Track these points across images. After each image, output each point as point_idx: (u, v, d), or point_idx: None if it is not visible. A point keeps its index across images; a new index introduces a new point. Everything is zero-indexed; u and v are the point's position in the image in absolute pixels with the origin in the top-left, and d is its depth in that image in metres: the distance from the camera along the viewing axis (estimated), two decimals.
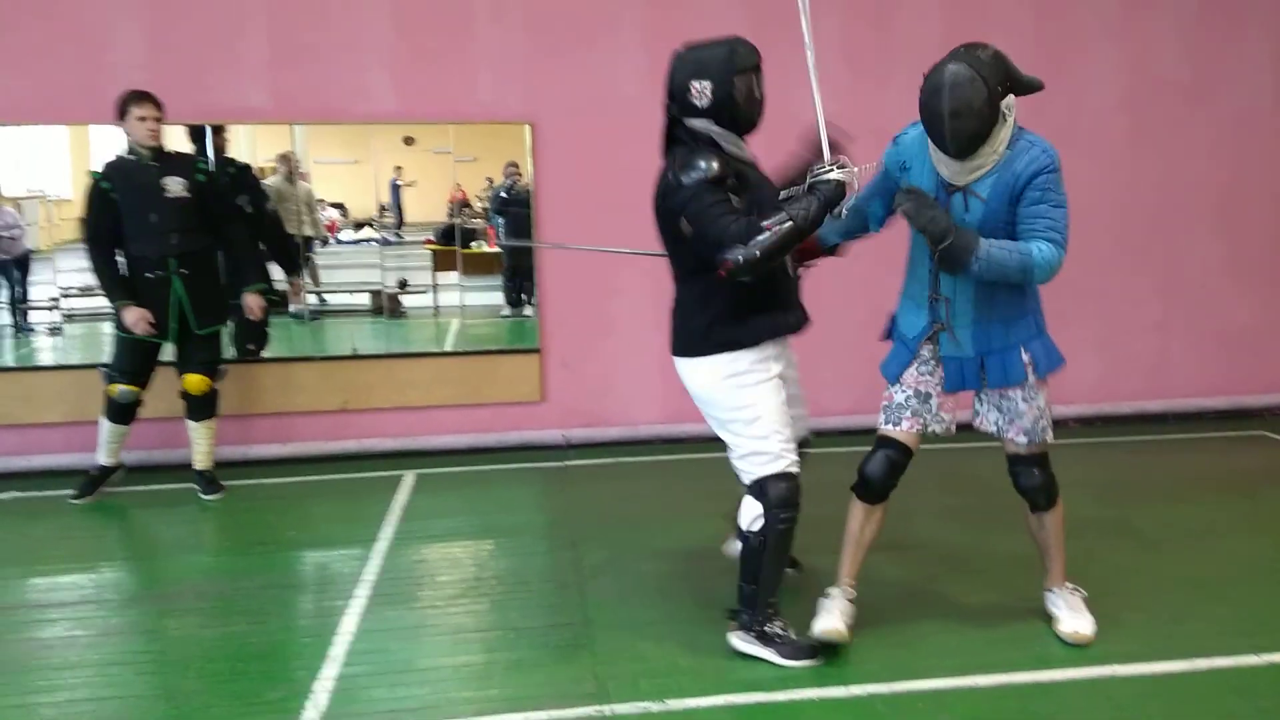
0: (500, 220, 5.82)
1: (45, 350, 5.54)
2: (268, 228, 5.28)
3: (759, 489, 2.81)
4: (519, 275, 5.68)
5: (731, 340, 2.78)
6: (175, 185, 4.34)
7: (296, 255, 5.55)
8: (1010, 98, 2.69)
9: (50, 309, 5.49)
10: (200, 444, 4.60)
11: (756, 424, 2.78)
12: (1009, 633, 3.11)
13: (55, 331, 5.44)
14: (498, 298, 5.84)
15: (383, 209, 6.69)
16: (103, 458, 4.56)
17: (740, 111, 2.76)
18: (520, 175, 5.45)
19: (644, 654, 3.00)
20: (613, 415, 5.40)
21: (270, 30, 4.91)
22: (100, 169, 4.34)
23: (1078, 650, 2.97)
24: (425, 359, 5.40)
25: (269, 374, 5.18)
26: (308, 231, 5.85)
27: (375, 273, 6.50)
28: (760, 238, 2.59)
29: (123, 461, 4.66)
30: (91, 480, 4.56)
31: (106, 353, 4.59)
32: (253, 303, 4.60)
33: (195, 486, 4.60)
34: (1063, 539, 3.10)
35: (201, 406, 4.56)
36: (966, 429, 3.07)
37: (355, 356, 5.43)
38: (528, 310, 5.65)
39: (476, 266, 5.84)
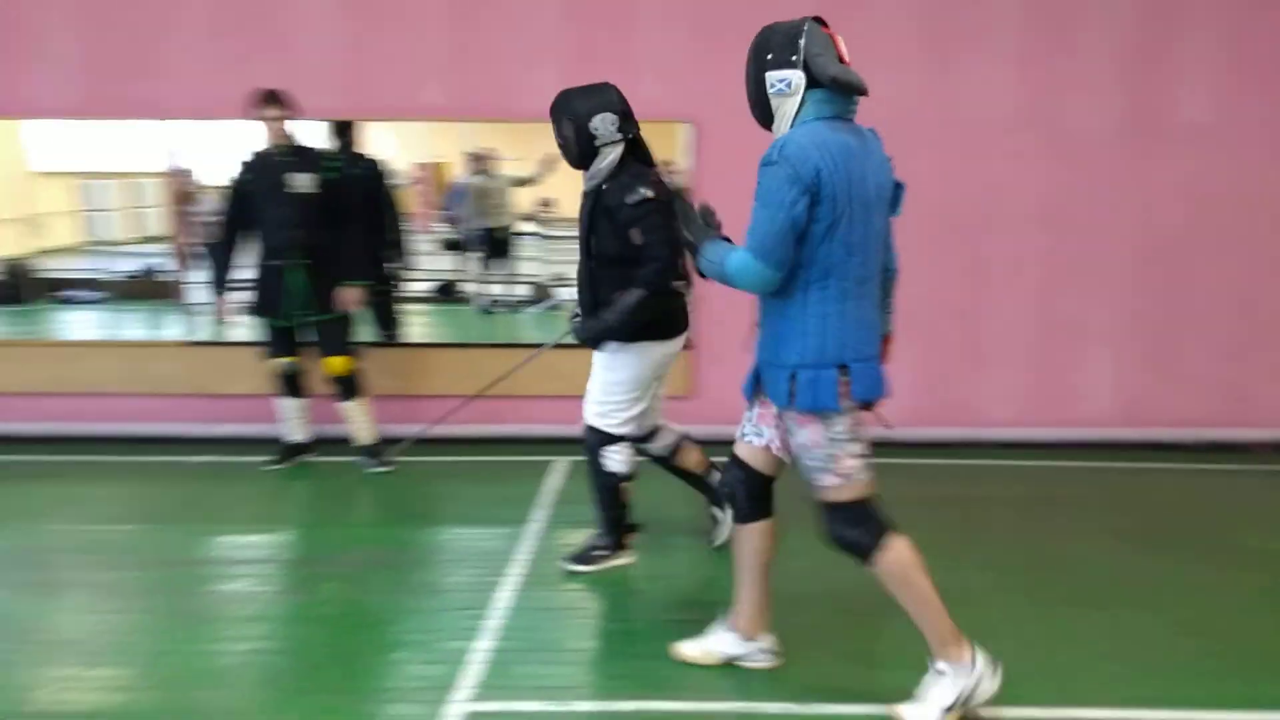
0: None
1: (238, 327, 5.99)
2: (391, 222, 5.49)
3: None
4: None
5: None
6: (302, 180, 4.57)
7: (404, 251, 5.72)
8: (790, 75, 2.45)
9: (244, 289, 5.93)
10: (356, 422, 4.86)
11: None
12: (1182, 665, 2.92)
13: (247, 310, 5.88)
14: None
15: (545, 203, 6.90)
16: (290, 434, 4.91)
17: None
18: (675, 174, 5.49)
19: (785, 652, 2.98)
20: None
21: (448, 31, 5.14)
22: (244, 161, 4.65)
23: (1261, 689, 2.76)
24: (579, 350, 5.50)
25: (434, 358, 5.44)
26: (506, 221, 6.09)
27: (534, 265, 6.72)
28: None
29: (308, 440, 4.99)
30: (286, 450, 4.93)
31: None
32: (349, 297, 4.70)
33: (361, 460, 4.88)
34: (917, 599, 2.55)
35: (347, 387, 4.80)
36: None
37: (515, 345, 5.61)
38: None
39: None
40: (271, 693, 2.82)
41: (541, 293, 6.81)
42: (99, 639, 3.16)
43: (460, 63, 5.15)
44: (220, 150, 5.65)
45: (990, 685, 2.55)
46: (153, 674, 2.92)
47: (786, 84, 2.46)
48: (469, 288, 6.42)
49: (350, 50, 5.14)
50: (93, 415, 5.41)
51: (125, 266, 6.60)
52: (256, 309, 4.71)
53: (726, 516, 3.82)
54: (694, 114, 5.18)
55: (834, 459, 2.53)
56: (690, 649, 2.96)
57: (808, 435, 2.54)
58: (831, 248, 2.41)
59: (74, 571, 3.68)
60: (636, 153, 3.38)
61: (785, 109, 2.49)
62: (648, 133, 5.43)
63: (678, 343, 3.51)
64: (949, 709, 2.54)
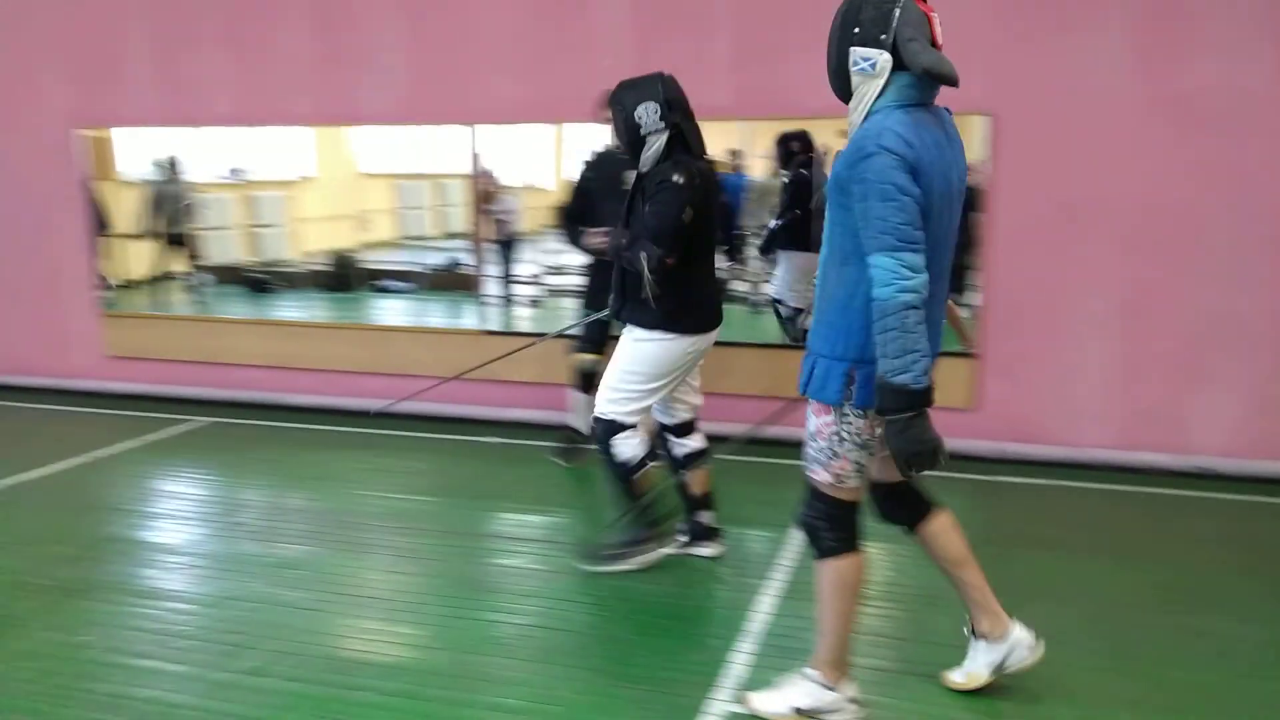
0: None
1: (524, 319, 6.39)
2: (726, 221, 5.54)
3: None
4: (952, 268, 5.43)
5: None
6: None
7: (741, 244, 5.79)
8: (876, 56, 2.27)
9: (531, 284, 6.32)
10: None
11: None
12: None
13: (535, 304, 6.26)
14: None
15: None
16: (575, 421, 5.13)
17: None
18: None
19: (1071, 689, 2.71)
20: (1055, 433, 4.95)
21: (735, 33, 5.15)
22: (587, 160, 4.87)
23: None
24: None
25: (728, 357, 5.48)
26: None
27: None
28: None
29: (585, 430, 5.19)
30: (568, 439, 5.10)
31: (567, 325, 5.12)
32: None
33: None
34: (834, 612, 2.55)
35: None
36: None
37: (787, 346, 5.53)
38: (959, 310, 5.39)
39: None
40: (546, 667, 2.95)
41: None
42: (400, 598, 3.46)
43: (744, 61, 5.15)
44: (520, 152, 6.06)
45: (848, 718, 2.60)
46: (444, 636, 3.16)
47: (871, 64, 2.29)
48: (743, 286, 6.42)
49: (646, 54, 5.29)
50: (401, 394, 5.96)
51: (432, 260, 7.23)
52: (585, 300, 4.92)
53: (706, 550, 3.76)
54: (992, 106, 4.84)
55: (834, 456, 2.45)
56: (958, 676, 2.77)
57: (815, 424, 2.47)
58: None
59: (380, 534, 4.06)
60: (685, 143, 3.43)
61: (866, 90, 2.31)
62: None
63: (707, 339, 3.51)
64: (800, 712, 2.59)
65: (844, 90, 2.37)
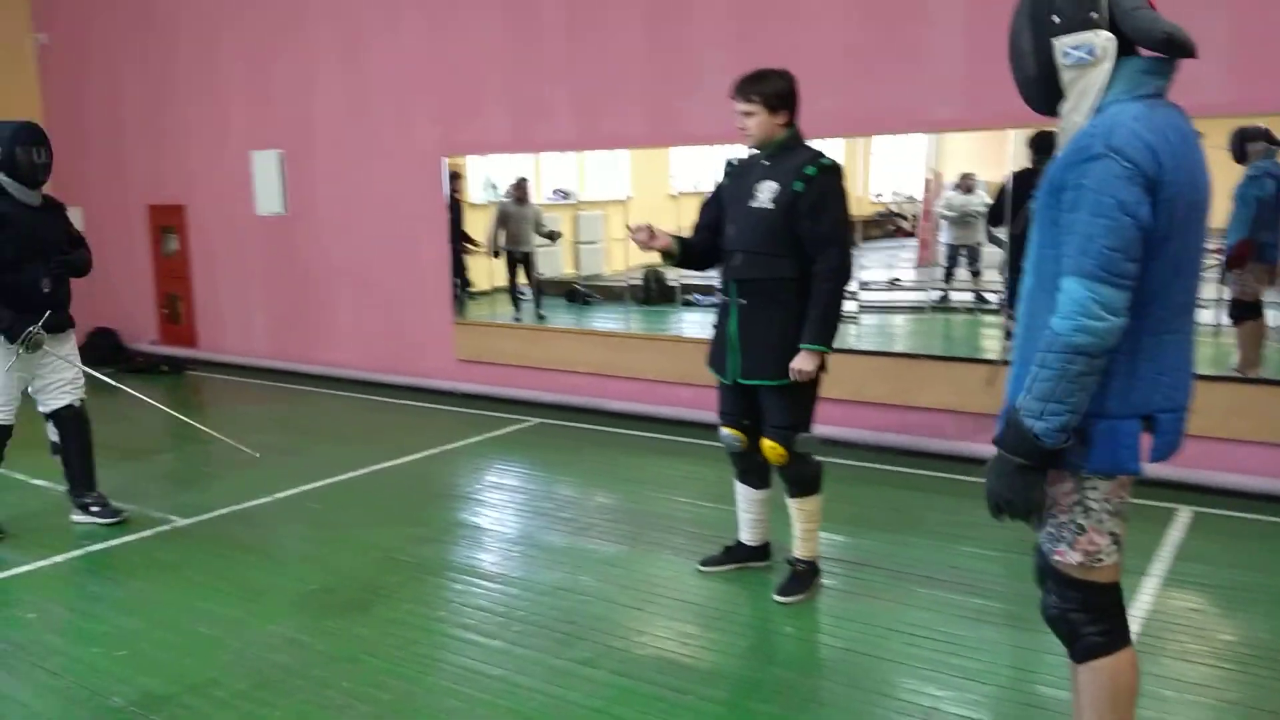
0: None
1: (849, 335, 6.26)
2: None
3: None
4: None
5: None
6: (766, 193, 3.39)
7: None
8: (1093, 40, 1.86)
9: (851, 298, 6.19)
10: (795, 526, 3.57)
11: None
12: None
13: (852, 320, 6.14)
14: None
15: None
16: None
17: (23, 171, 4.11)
18: None
19: None
20: None
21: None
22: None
23: None
24: (1220, 384, 4.73)
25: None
26: None
27: None
28: None
29: None
30: None
31: (887, 342, 4.95)
32: (800, 364, 3.32)
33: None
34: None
35: (786, 479, 3.51)
36: None
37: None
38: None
39: None
40: (863, 694, 2.87)
41: None
42: (714, 605, 3.52)
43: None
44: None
45: None
46: (761, 648, 3.19)
47: (1088, 50, 1.88)
48: None
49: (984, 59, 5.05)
50: (706, 404, 6.09)
51: None
52: None
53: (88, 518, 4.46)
54: None
55: (1080, 530, 1.96)
56: None
57: (1051, 494, 1.98)
58: (1159, 266, 1.85)
59: (692, 540, 4.10)
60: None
61: (1086, 84, 1.90)
62: None
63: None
64: None
65: (1048, 97, 1.97)
